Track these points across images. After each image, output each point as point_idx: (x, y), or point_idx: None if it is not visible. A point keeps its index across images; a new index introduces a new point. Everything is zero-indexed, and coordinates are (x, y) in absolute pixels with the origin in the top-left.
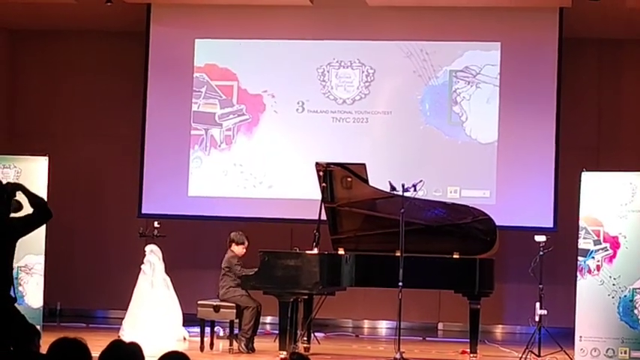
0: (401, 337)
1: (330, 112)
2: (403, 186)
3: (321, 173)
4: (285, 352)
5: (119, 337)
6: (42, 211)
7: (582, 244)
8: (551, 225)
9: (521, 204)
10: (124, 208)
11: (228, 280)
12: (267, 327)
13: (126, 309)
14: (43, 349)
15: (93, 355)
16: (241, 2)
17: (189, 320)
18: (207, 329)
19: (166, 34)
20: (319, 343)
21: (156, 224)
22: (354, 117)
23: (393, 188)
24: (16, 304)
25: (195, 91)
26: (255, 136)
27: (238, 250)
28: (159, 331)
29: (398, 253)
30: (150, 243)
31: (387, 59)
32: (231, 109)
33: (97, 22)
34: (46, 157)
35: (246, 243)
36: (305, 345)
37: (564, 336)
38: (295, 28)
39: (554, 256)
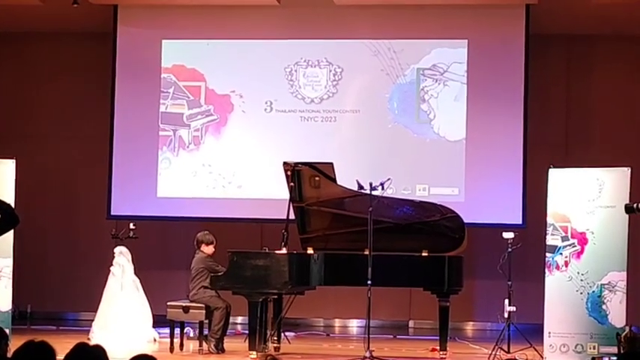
0: (372, 336)
1: (298, 111)
2: (371, 184)
3: (289, 173)
4: (255, 353)
5: (89, 339)
6: (8, 217)
7: (550, 240)
8: (520, 222)
9: (489, 201)
10: (93, 210)
11: (198, 281)
12: (238, 327)
13: (96, 311)
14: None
15: (58, 357)
16: (208, 3)
17: (158, 321)
18: (177, 330)
19: (133, 35)
20: (290, 342)
21: (131, 226)
22: (322, 116)
23: (360, 187)
24: None
25: (162, 91)
26: (224, 137)
27: (209, 250)
28: (129, 333)
29: (367, 252)
30: (119, 244)
31: (355, 58)
32: (199, 109)
33: (63, 23)
34: (14, 160)
35: (215, 242)
36: (275, 345)
37: (533, 332)
38: (262, 28)
39: (523, 252)
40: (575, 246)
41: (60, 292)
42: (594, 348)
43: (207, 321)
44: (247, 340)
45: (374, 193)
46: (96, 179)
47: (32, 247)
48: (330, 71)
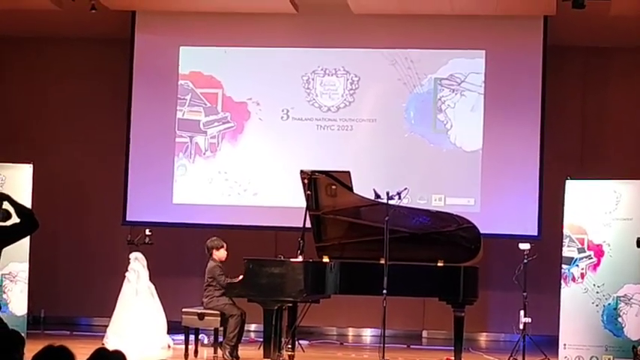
0: (385, 345)
1: (314, 119)
2: (388, 194)
3: (305, 181)
4: None
5: (103, 344)
6: (29, 222)
7: (566, 252)
8: (536, 233)
9: (505, 212)
10: (108, 216)
11: (212, 290)
12: (252, 335)
13: (110, 316)
14: (27, 357)
15: None
16: (226, 10)
17: (173, 328)
18: (192, 337)
19: (151, 42)
20: (304, 350)
21: (147, 232)
22: (339, 125)
23: (377, 196)
24: None
25: (179, 98)
26: (240, 144)
27: (220, 254)
28: (143, 339)
29: (382, 261)
30: (134, 250)
31: (372, 67)
32: (215, 116)
33: (81, 29)
34: (31, 165)
35: (225, 245)
36: (289, 353)
37: (548, 344)
38: (280, 36)
39: (539, 264)
40: (592, 258)
41: (73, 297)
42: None
43: (222, 328)
44: (262, 348)
45: (390, 202)
46: (111, 185)
47: (46, 251)
48: (347, 80)
